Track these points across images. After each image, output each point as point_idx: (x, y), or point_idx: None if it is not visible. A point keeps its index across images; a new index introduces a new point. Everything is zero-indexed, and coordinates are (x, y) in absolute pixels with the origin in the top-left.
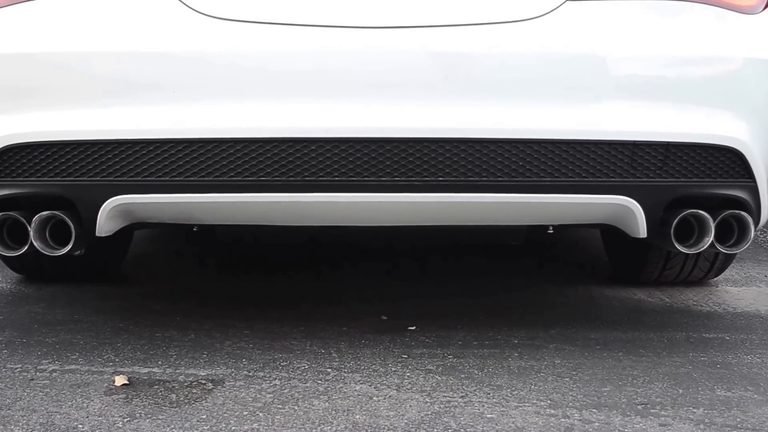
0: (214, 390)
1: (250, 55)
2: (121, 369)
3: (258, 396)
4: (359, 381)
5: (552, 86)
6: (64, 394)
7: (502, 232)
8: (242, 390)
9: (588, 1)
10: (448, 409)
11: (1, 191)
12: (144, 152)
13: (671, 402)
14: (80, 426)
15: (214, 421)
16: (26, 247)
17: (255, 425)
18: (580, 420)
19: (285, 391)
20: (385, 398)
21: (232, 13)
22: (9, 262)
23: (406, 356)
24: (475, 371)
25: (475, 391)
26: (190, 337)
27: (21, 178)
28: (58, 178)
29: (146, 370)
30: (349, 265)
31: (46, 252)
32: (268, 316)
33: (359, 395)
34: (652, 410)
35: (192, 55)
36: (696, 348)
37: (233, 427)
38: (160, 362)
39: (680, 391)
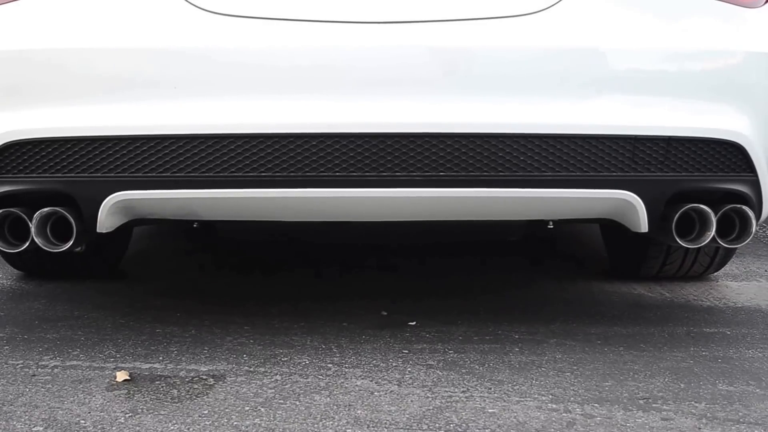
0: (216, 385)
1: (251, 51)
2: (123, 365)
3: (259, 391)
4: (360, 376)
5: (553, 81)
6: (65, 389)
7: (501, 227)
8: (243, 385)
9: None
10: (449, 404)
11: (2, 188)
12: (145, 148)
13: (673, 396)
14: (82, 421)
15: (216, 416)
16: (27, 244)
17: (257, 420)
18: (581, 414)
19: (286, 386)
20: (386, 393)
21: (232, 9)
22: (9, 258)
23: (406, 351)
24: (476, 366)
25: (476, 385)
26: (190, 332)
27: (22, 175)
28: (59, 175)
29: (147, 365)
30: (348, 261)
31: (48, 248)
32: (268, 312)
33: (360, 390)
34: (654, 405)
35: (193, 51)
36: (697, 343)
37: (235, 422)
38: (161, 358)
39: (682, 385)
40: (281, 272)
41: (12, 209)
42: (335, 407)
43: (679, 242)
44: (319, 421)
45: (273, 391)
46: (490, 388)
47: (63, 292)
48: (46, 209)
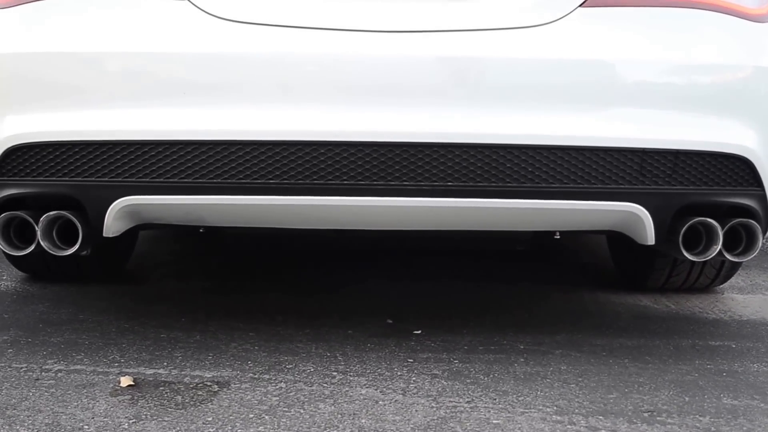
0: (220, 392)
1: (261, 58)
2: (127, 370)
3: (264, 399)
4: (365, 385)
5: (562, 92)
6: (69, 394)
7: (508, 237)
8: (248, 392)
9: (598, 8)
10: (454, 414)
11: (9, 191)
12: (153, 153)
13: (677, 410)
14: (86, 427)
15: (220, 423)
16: (33, 247)
17: (261, 428)
18: (586, 427)
19: (291, 394)
20: (390, 402)
21: (243, 16)
22: (14, 261)
23: (411, 360)
24: (481, 376)
25: (481, 396)
26: (195, 338)
27: (29, 178)
28: (67, 179)
29: (152, 371)
30: (354, 268)
31: (53, 252)
32: (273, 318)
33: (365, 399)
34: (658, 418)
35: (203, 57)
36: (702, 356)
37: (239, 430)
38: (165, 363)
39: (686, 398)
40: (286, 278)
41: (18, 212)
42: (339, 416)
43: (686, 255)
44: (323, 429)
45: (277, 398)
46: (495, 399)
47: (68, 295)
48: (52, 213)
